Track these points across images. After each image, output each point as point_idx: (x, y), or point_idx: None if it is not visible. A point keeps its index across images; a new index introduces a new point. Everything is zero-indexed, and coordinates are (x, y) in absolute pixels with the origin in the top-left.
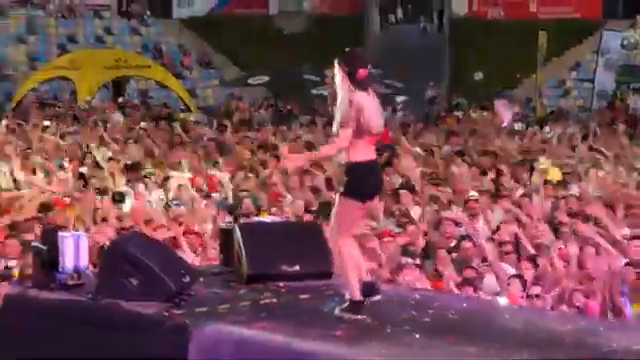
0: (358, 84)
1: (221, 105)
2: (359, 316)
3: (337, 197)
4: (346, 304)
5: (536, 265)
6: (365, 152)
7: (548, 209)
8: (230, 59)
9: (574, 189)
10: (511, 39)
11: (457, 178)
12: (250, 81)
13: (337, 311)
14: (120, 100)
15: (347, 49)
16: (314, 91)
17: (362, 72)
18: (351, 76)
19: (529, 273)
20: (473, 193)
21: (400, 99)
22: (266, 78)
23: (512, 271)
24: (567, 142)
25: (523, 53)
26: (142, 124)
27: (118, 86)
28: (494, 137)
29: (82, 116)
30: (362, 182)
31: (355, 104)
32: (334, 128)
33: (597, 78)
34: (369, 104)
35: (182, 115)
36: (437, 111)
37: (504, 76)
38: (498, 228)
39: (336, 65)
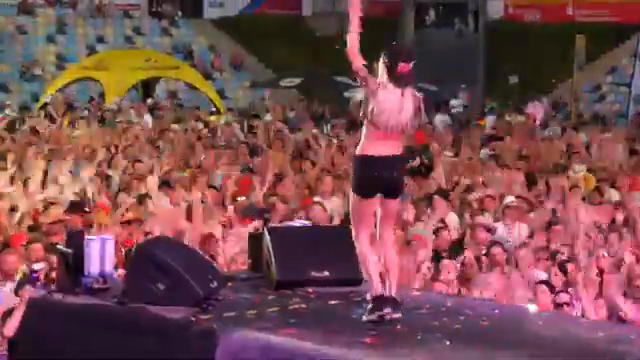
0: (396, 79)
1: (252, 107)
2: (384, 310)
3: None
4: (369, 306)
5: (565, 272)
6: (375, 146)
7: (584, 216)
8: (262, 60)
9: (613, 195)
10: (547, 43)
11: (493, 183)
12: (282, 83)
13: (365, 318)
14: (149, 102)
15: (394, 43)
16: (346, 94)
17: (403, 66)
18: (390, 70)
19: (558, 280)
20: (511, 199)
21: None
22: (298, 80)
23: (544, 277)
24: (603, 147)
25: (559, 57)
26: (174, 126)
27: (147, 87)
28: (529, 141)
29: (110, 118)
30: (363, 175)
31: (376, 96)
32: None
33: (634, 82)
34: (389, 101)
35: (212, 117)
36: (468, 115)
37: (539, 80)
38: (532, 235)
39: (381, 58)
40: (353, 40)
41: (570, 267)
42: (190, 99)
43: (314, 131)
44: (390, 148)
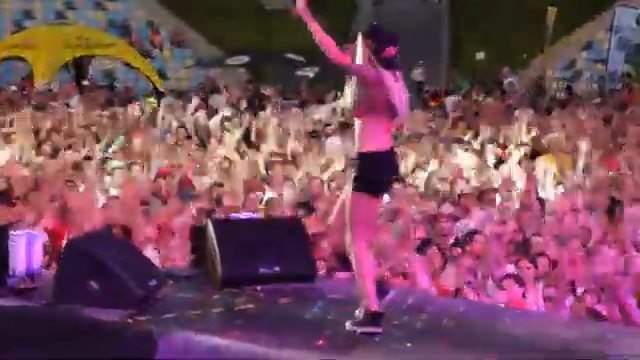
0: (383, 62)
1: (195, 88)
2: (378, 329)
3: (348, 194)
4: (361, 316)
5: (536, 265)
6: (383, 140)
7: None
8: (206, 37)
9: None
10: (518, 15)
11: (457, 170)
12: (228, 61)
13: (349, 325)
14: (82, 83)
15: (374, 23)
16: (299, 72)
17: (390, 49)
18: (377, 53)
19: (529, 273)
20: (464, 187)
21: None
22: (246, 58)
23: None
24: (578, 129)
25: (531, 30)
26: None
27: (80, 67)
28: (501, 124)
29: (40, 100)
30: (375, 173)
31: (377, 81)
32: (349, 106)
33: (610, 58)
34: (395, 86)
35: (152, 99)
36: (429, 93)
37: (509, 56)
38: (503, 223)
39: (359, 39)
40: (321, 37)
41: (542, 260)
42: (127, 79)
43: (263, 114)
44: (390, 140)
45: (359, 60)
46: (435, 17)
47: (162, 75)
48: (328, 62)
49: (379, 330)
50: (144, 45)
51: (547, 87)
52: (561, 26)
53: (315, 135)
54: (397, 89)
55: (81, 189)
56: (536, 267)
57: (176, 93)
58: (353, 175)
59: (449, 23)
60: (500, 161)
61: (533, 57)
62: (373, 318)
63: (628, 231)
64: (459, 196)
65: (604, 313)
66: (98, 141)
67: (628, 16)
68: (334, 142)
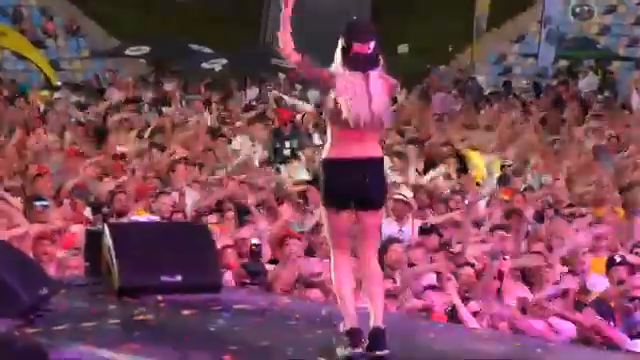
0: (349, 62)
1: (91, 80)
2: (360, 347)
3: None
4: (344, 339)
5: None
6: (342, 148)
7: (484, 210)
8: (103, 25)
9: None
10: (443, 4)
11: None
12: (127, 52)
13: (339, 352)
14: None
15: (353, 18)
16: (205, 65)
17: (358, 47)
18: (344, 51)
19: (451, 284)
20: (401, 193)
21: None
22: (147, 49)
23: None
24: (508, 128)
25: (458, 22)
26: None
27: None
28: (427, 125)
29: None
30: (329, 184)
31: (334, 87)
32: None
33: (540, 53)
34: (351, 90)
35: (44, 92)
36: None
37: (434, 49)
38: (429, 232)
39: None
40: (286, 38)
41: (466, 271)
42: (17, 71)
43: (165, 110)
44: (362, 149)
45: (335, 64)
46: (356, 3)
47: (55, 66)
48: (236, 54)
49: (358, 350)
50: (37, 34)
51: (476, 83)
52: (491, 17)
53: (221, 134)
54: (358, 94)
55: None
56: (457, 278)
57: (71, 86)
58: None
59: (371, 10)
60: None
61: (460, 51)
62: (355, 336)
63: (556, 244)
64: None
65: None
66: None
67: (558, 7)
68: (242, 141)
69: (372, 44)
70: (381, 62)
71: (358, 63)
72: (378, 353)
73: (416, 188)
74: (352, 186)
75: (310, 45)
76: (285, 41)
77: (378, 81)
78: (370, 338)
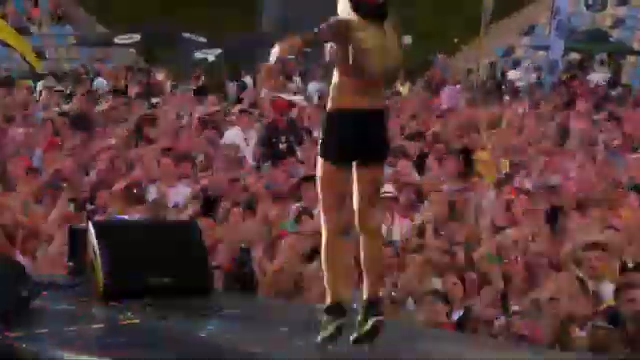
0: (359, 10)
1: (78, 69)
2: (339, 321)
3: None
4: (324, 319)
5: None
6: (352, 98)
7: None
8: (90, 12)
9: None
10: None
11: None
12: (116, 40)
13: (319, 337)
14: None
15: None
16: (197, 54)
17: None
18: (352, 2)
19: (457, 290)
20: (388, 188)
21: None
22: (137, 37)
23: (438, 286)
24: (515, 124)
25: (463, 12)
26: None
27: None
28: (429, 119)
29: None
30: (333, 134)
31: (354, 35)
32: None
33: (551, 45)
34: (371, 39)
35: (28, 81)
36: None
37: (439, 41)
38: (422, 231)
39: None
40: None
41: (470, 275)
42: (1, 58)
43: (155, 101)
44: (373, 99)
45: (339, 11)
46: None
47: (40, 55)
48: (231, 44)
49: (340, 321)
50: (21, 20)
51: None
52: (499, 7)
53: (214, 126)
54: (376, 42)
55: None
56: (464, 284)
57: (58, 76)
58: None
59: None
60: (422, 157)
61: (466, 42)
62: (334, 311)
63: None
64: None
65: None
66: None
67: None
68: (235, 134)
69: None
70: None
71: (367, 11)
72: (372, 320)
73: (404, 185)
74: (364, 136)
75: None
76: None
77: (391, 32)
78: (363, 309)
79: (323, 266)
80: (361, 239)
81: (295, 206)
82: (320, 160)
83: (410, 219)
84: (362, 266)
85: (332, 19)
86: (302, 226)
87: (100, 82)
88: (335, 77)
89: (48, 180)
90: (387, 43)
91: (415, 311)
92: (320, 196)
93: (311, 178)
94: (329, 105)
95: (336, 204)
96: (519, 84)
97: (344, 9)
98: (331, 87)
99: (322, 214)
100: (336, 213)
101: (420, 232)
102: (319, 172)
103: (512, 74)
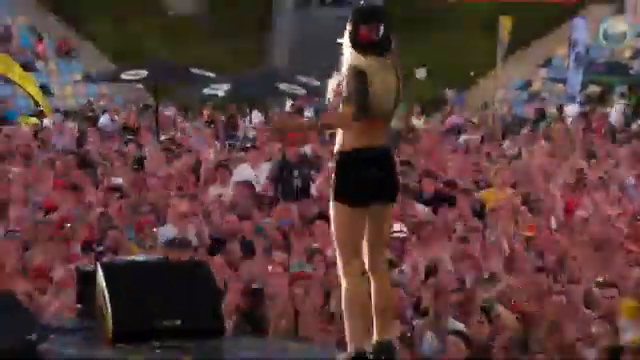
0: (359, 47)
1: (84, 106)
2: None
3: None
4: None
5: (490, 320)
6: (361, 137)
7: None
8: (98, 46)
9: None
10: (465, 26)
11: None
12: (123, 76)
13: None
14: None
15: (360, 3)
16: (206, 90)
17: (363, 31)
18: (352, 36)
19: (482, 329)
20: (398, 228)
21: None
22: (144, 73)
23: (460, 327)
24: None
25: (479, 44)
26: None
27: None
28: (444, 155)
29: None
30: (350, 175)
31: (354, 70)
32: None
33: (569, 77)
34: (375, 77)
35: (32, 119)
36: None
37: (454, 74)
38: (436, 270)
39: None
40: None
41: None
42: (4, 96)
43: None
44: (378, 138)
45: (344, 45)
46: None
47: (46, 91)
48: (240, 79)
49: None
50: (27, 56)
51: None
52: (515, 39)
53: (224, 163)
54: (379, 81)
55: None
56: (491, 323)
57: (62, 113)
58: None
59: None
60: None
61: (482, 75)
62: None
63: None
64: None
65: None
66: None
67: (587, 29)
68: (244, 170)
69: (381, 27)
70: (392, 46)
71: (367, 47)
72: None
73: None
74: (376, 174)
75: (316, 66)
76: (337, 118)
77: (391, 70)
78: (374, 351)
79: (345, 314)
80: (372, 283)
81: (307, 246)
82: (335, 204)
83: (423, 258)
84: (373, 309)
85: (331, 116)
86: (315, 266)
87: (106, 119)
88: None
89: (57, 221)
90: (388, 80)
91: (432, 351)
92: (337, 242)
93: (324, 216)
94: (339, 147)
95: (355, 249)
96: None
97: (348, 47)
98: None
99: (341, 261)
100: (356, 259)
101: (432, 271)
102: (335, 217)
103: (529, 108)
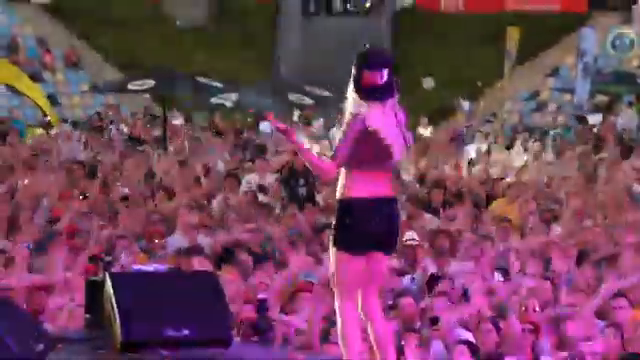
0: (363, 93)
1: (92, 117)
2: None
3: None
4: None
5: (499, 328)
6: (364, 186)
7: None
8: (105, 57)
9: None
10: (471, 37)
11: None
12: (130, 86)
13: None
14: None
15: (364, 47)
16: (214, 100)
17: (367, 76)
18: (356, 82)
19: (490, 337)
20: (411, 235)
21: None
22: (152, 83)
23: (468, 336)
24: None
25: (486, 55)
26: None
27: None
28: (449, 163)
29: None
30: (353, 225)
31: (359, 122)
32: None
33: (577, 87)
34: (382, 122)
35: (40, 130)
36: None
37: (462, 84)
38: (445, 278)
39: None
40: (322, 165)
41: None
42: (12, 107)
43: (172, 147)
44: (386, 187)
45: (349, 101)
46: (374, 35)
47: (53, 101)
48: (247, 88)
49: None
50: (34, 66)
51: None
52: (523, 49)
53: (232, 173)
54: (387, 127)
55: None
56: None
57: (70, 123)
58: (332, 227)
59: (390, 42)
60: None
61: (490, 85)
62: None
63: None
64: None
65: None
66: None
67: (595, 39)
68: (252, 180)
69: (385, 72)
70: (396, 91)
71: (372, 94)
72: None
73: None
74: (380, 226)
75: (324, 76)
76: (324, 168)
77: (391, 115)
78: None
79: (342, 346)
80: (368, 323)
81: (313, 257)
82: (335, 251)
83: (439, 266)
84: (372, 342)
85: (317, 162)
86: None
87: (115, 129)
88: (345, 169)
89: (65, 231)
90: (399, 124)
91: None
92: (338, 288)
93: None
94: (340, 195)
95: (355, 294)
96: (546, 128)
97: (351, 92)
98: (342, 175)
99: (340, 304)
100: (354, 303)
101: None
102: (335, 264)
103: (537, 118)
